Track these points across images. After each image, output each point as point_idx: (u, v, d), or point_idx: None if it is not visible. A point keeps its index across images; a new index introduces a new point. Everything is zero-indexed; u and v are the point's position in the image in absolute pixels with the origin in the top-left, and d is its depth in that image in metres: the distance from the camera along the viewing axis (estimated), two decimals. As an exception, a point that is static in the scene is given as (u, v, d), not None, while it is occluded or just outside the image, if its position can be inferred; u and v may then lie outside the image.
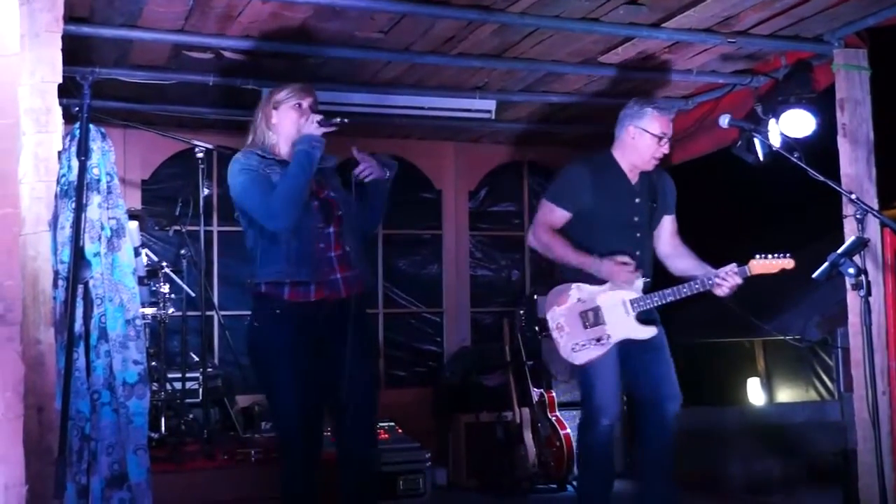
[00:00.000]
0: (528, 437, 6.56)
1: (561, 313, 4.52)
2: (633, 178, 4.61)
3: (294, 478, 3.97)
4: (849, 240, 4.04)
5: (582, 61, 5.96)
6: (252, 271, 4.06)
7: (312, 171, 3.92)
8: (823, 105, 5.53)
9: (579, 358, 4.46)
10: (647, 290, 4.49)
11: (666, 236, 4.72)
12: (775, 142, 5.54)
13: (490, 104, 6.64)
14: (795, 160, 4.23)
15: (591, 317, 4.47)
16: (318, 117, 3.97)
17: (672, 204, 4.75)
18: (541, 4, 4.96)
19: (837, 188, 4.25)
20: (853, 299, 5.12)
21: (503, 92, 6.56)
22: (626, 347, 4.49)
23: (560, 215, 4.56)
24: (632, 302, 4.43)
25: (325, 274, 3.96)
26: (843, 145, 5.35)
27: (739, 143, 5.97)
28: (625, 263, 4.40)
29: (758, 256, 4.30)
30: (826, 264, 3.95)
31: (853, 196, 4.19)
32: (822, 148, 5.43)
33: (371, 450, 4.14)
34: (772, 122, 5.63)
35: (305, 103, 4.07)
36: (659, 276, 4.67)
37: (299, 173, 3.88)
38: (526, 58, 5.86)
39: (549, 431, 6.59)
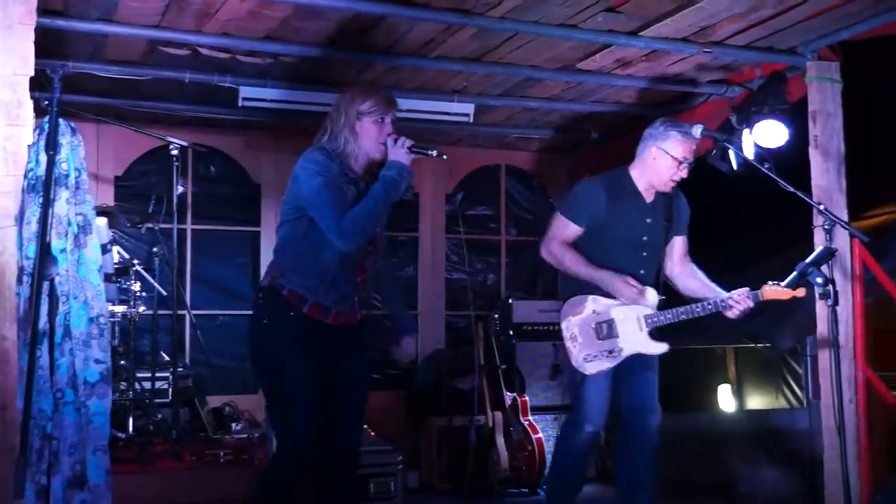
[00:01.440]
0: (500, 440, 6.56)
1: (576, 323, 4.55)
2: (648, 197, 4.62)
3: (288, 464, 3.85)
4: (817, 249, 4.07)
5: (560, 67, 5.97)
6: (278, 267, 3.94)
7: (396, 199, 3.84)
8: (796, 116, 5.56)
9: (590, 368, 4.50)
10: (660, 307, 4.53)
11: (677, 256, 4.74)
12: (749, 152, 5.57)
13: (468, 108, 6.65)
14: (766, 171, 4.25)
15: (605, 329, 4.51)
16: (410, 143, 3.85)
17: (684, 225, 4.76)
18: (520, 9, 4.97)
19: (806, 199, 4.29)
20: (821, 308, 5.17)
21: (482, 96, 6.57)
22: (625, 360, 4.52)
23: (573, 230, 4.58)
24: (646, 317, 4.46)
25: (349, 298, 3.92)
26: (814, 157, 5.39)
27: (714, 152, 6.00)
28: (631, 284, 4.44)
29: (770, 283, 4.30)
30: (795, 273, 3.99)
31: (822, 207, 4.22)
32: (794, 159, 5.47)
33: (357, 456, 4.12)
34: (745, 132, 5.67)
35: (388, 118, 3.93)
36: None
37: (383, 201, 3.79)
38: (505, 62, 5.88)
39: (522, 435, 6.59)
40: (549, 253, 4.62)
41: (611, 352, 4.48)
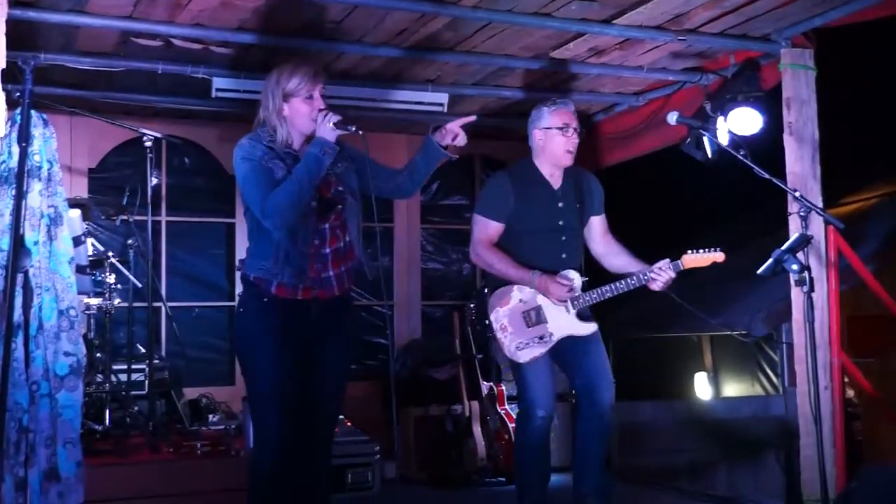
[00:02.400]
0: (477, 430, 6.56)
1: (504, 314, 4.62)
2: (556, 182, 4.71)
3: (265, 465, 3.86)
4: (793, 236, 4.08)
5: (534, 56, 5.97)
6: (246, 255, 3.97)
7: (320, 176, 3.77)
8: (771, 103, 5.60)
9: (523, 356, 4.56)
10: (585, 287, 4.60)
11: (597, 236, 4.81)
12: (723, 139, 5.59)
13: (442, 97, 6.63)
14: (741, 158, 4.26)
15: (533, 316, 4.59)
16: (336, 118, 3.78)
17: (598, 204, 4.82)
18: (493, -2, 4.97)
19: (782, 186, 4.29)
20: (797, 295, 5.19)
21: (456, 85, 6.56)
22: (563, 342, 4.59)
23: (495, 227, 4.65)
24: (572, 300, 4.54)
25: (317, 272, 3.85)
26: (788, 143, 5.41)
27: (689, 140, 6.02)
28: (562, 283, 4.49)
29: (690, 251, 4.44)
30: (770, 260, 3.98)
31: (797, 193, 4.23)
32: (768, 146, 5.50)
33: (327, 454, 4.11)
34: (720, 119, 5.69)
35: (316, 92, 3.87)
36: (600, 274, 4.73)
37: (304, 179, 3.72)
38: (478, 51, 5.87)
39: (498, 425, 6.59)
40: (477, 257, 4.69)
41: (541, 337, 4.55)
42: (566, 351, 4.60)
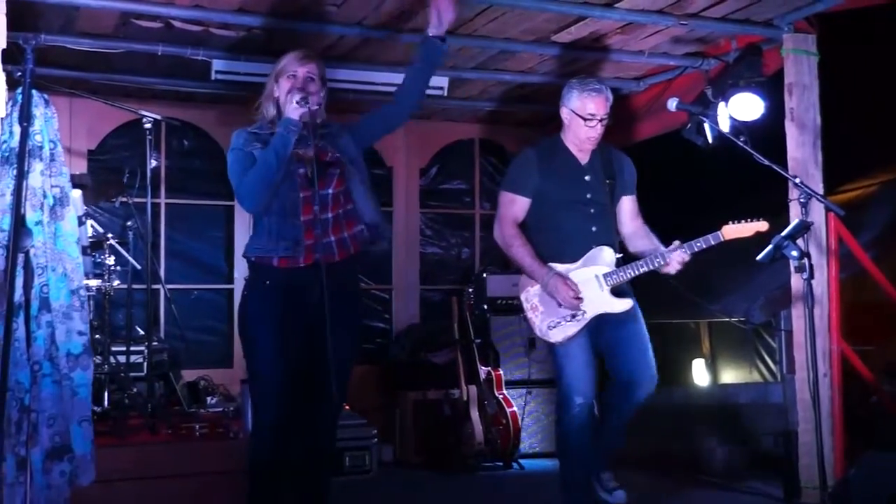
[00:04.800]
0: (474, 414, 6.57)
1: (535, 293, 4.50)
2: (583, 157, 4.59)
3: (263, 449, 3.90)
4: (793, 223, 4.07)
5: (535, 40, 5.96)
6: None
7: (286, 154, 3.79)
8: (772, 89, 5.58)
9: (555, 335, 4.44)
10: (618, 263, 4.48)
11: (626, 217, 4.68)
12: (724, 125, 5.58)
13: (442, 81, 6.61)
14: (741, 144, 4.25)
15: None
16: (299, 96, 3.82)
17: (630, 184, 4.69)
18: (494, -19, 4.95)
19: (782, 172, 4.28)
20: (796, 282, 5.19)
21: (456, 69, 6.53)
22: (601, 322, 4.46)
23: (521, 203, 4.55)
24: (605, 276, 4.41)
25: (317, 237, 3.86)
26: (790, 129, 5.40)
27: (689, 126, 6.01)
28: (571, 288, 4.37)
29: (731, 222, 4.29)
30: (770, 247, 3.98)
31: (797, 180, 4.22)
32: (770, 131, 5.48)
33: (331, 438, 4.13)
34: (721, 105, 5.67)
35: (301, 72, 3.93)
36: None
37: (271, 158, 3.78)
38: (479, 35, 5.85)
39: (496, 409, 6.61)
40: (500, 236, 4.58)
41: (573, 316, 4.41)
42: (604, 335, 4.48)
